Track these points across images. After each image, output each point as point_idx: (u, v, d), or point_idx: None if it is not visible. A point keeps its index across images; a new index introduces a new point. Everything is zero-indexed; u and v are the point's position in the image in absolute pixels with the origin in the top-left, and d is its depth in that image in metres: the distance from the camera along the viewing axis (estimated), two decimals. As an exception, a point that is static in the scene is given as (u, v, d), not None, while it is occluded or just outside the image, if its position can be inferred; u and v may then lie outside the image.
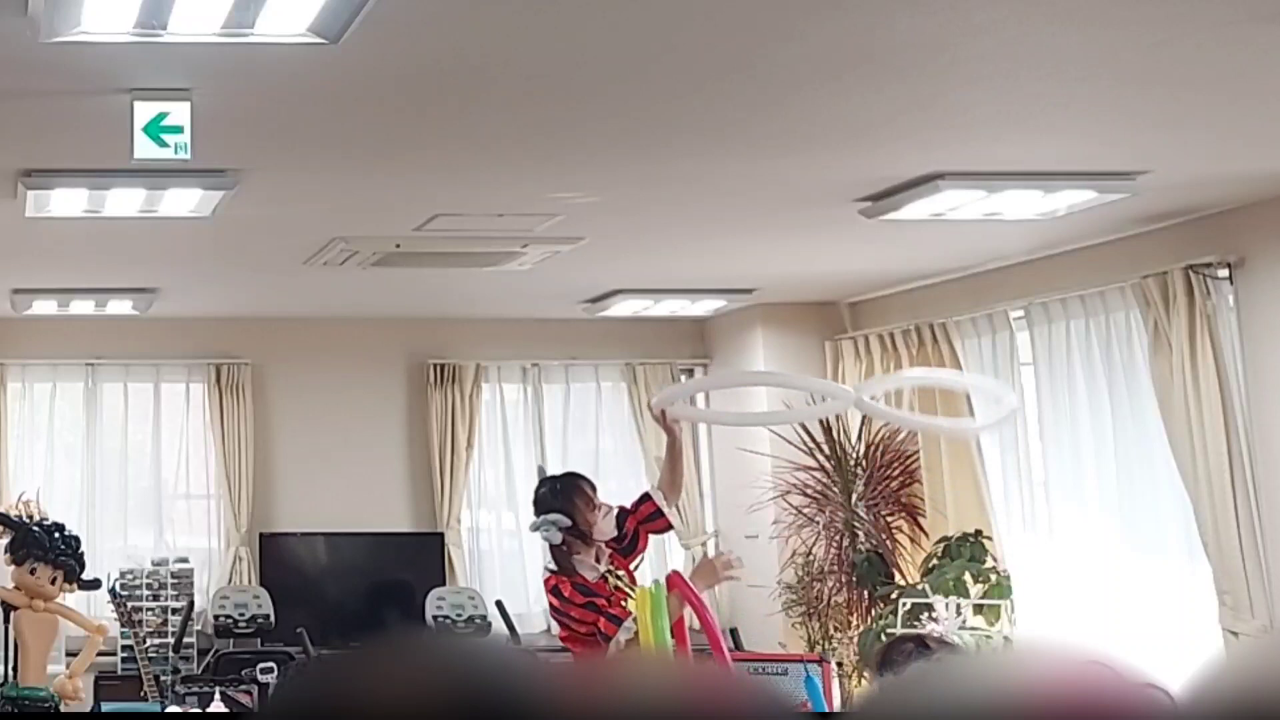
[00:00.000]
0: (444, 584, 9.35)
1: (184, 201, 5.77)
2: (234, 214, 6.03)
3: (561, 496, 5.38)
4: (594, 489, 5.45)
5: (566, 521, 5.30)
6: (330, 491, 9.55)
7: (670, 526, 5.74)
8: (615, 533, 5.41)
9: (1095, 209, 6.22)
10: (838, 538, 8.64)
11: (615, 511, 5.49)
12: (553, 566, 5.36)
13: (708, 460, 9.96)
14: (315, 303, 8.92)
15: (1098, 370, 7.30)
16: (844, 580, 8.55)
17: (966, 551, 7.77)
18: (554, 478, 5.60)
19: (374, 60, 4.17)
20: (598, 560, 5.37)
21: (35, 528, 7.89)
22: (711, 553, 9.75)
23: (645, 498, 5.58)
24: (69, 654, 8.36)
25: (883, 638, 7.64)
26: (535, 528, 5.40)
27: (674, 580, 5.26)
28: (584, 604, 5.27)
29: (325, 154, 5.33)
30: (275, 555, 9.43)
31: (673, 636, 5.15)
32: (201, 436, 9.57)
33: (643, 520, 5.53)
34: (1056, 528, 7.62)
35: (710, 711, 0.82)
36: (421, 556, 9.50)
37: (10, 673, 7.72)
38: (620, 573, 5.41)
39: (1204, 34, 4.07)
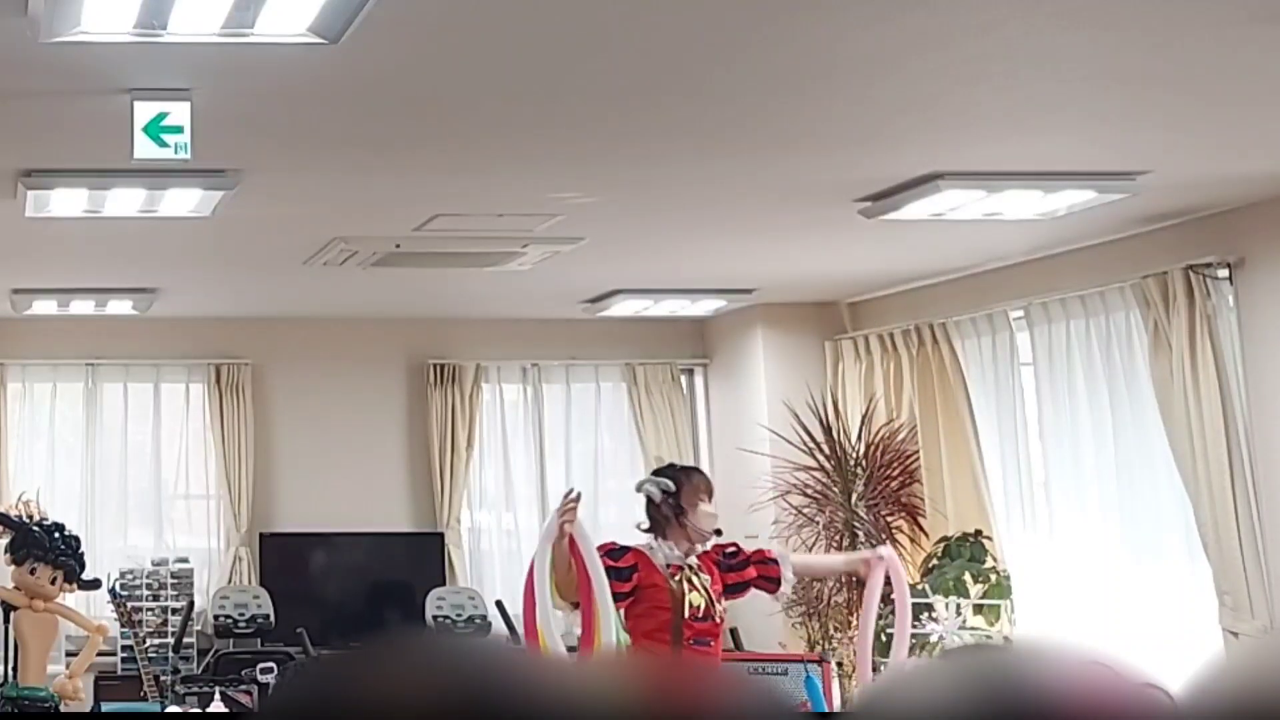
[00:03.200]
0: (444, 584, 9.35)
1: (184, 201, 5.77)
2: (234, 214, 6.03)
3: (679, 470, 5.59)
4: (711, 491, 5.56)
5: (670, 485, 5.40)
6: (330, 491, 9.55)
7: (774, 589, 5.67)
8: (713, 535, 5.45)
9: (1095, 209, 6.21)
10: (838, 538, 8.63)
11: (747, 552, 5.60)
12: (645, 526, 5.47)
13: (708, 460, 9.95)
14: (315, 303, 8.91)
15: (1098, 370, 7.29)
16: (844, 580, 8.54)
17: (966, 551, 7.77)
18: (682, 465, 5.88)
19: (374, 60, 4.17)
20: (686, 555, 5.42)
21: (35, 528, 7.88)
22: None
23: (771, 560, 5.64)
24: (69, 654, 8.36)
25: (882, 638, 7.65)
26: (641, 485, 5.52)
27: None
28: (609, 567, 5.25)
29: (325, 154, 5.33)
30: (275, 555, 9.42)
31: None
32: (201, 437, 9.57)
33: (758, 563, 5.60)
34: (1056, 528, 7.61)
35: (709, 711, 0.82)
36: (421, 556, 9.50)
37: (10, 673, 7.71)
38: (706, 577, 5.43)
39: (1204, 34, 4.07)
